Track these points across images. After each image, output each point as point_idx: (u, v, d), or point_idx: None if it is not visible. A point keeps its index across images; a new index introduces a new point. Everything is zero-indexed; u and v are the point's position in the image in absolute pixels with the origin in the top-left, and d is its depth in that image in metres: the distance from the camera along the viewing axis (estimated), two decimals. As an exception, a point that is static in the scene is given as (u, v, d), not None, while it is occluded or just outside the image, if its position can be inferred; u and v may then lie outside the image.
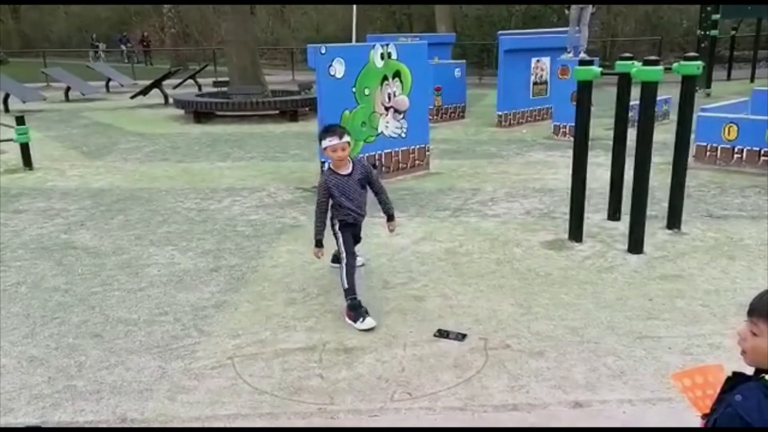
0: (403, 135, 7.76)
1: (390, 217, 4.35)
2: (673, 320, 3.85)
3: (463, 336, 3.71)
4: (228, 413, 3.01)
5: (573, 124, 5.17)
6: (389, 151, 7.66)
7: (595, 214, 5.95)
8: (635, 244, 4.93)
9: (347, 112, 7.09)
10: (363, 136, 7.33)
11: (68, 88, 18.85)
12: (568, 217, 5.41)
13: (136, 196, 7.11)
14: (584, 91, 4.99)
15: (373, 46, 7.30)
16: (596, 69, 4.96)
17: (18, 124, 8.65)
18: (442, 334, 3.74)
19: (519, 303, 4.14)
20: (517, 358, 3.47)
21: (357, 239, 4.37)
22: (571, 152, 5.17)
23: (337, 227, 4.16)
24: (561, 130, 10.59)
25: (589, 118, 5.06)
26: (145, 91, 17.32)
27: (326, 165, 4.31)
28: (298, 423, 2.94)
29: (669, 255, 4.91)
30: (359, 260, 4.81)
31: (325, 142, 4.08)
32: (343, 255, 4.05)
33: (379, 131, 7.50)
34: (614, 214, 5.71)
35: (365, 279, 4.49)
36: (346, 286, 3.94)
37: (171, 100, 15.31)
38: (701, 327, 3.76)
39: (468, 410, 3.01)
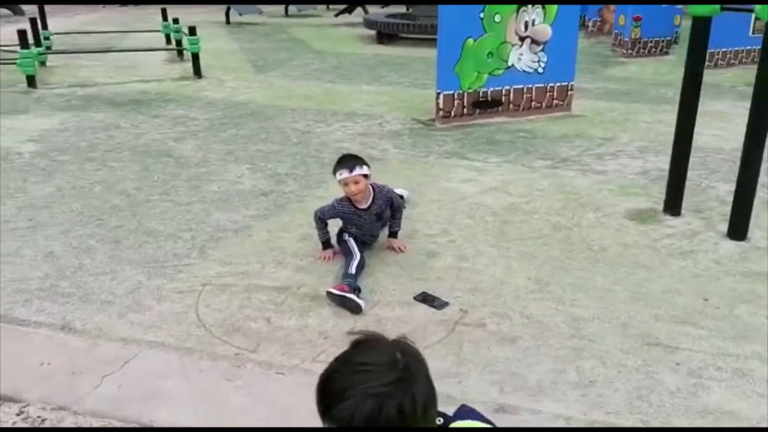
0: (540, 70, 6.96)
1: (392, 234, 3.91)
2: (714, 330, 3.02)
3: (444, 304, 3.28)
4: (151, 339, 3.00)
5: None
6: (520, 87, 6.93)
7: (726, 184, 4.86)
8: (736, 228, 3.93)
9: (471, 40, 6.51)
10: (488, 68, 6.70)
11: (287, 4, 19.93)
12: (689, 182, 4.48)
13: (261, 113, 7.32)
14: (700, 29, 3.96)
15: (510, -34, 6.53)
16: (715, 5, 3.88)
17: (190, 35, 9.32)
18: (422, 298, 3.34)
19: (539, 278, 3.54)
20: (483, 340, 2.98)
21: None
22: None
23: (345, 236, 3.79)
24: (772, 77, 8.74)
25: (703, 63, 4.03)
26: (349, 9, 17.67)
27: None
28: (203, 365, 2.83)
29: (779, 248, 3.85)
30: (404, 192, 4.51)
31: (336, 176, 3.65)
32: (357, 253, 3.60)
33: (510, 64, 6.80)
34: (745, 186, 4.59)
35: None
36: (353, 272, 3.42)
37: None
38: (743, 345, 2.90)
39: (377, 389, 2.66)
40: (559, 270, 3.62)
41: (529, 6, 6.67)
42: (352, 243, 3.70)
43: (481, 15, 6.47)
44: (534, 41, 6.83)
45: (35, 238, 4.08)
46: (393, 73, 9.91)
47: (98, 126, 6.75)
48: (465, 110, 6.74)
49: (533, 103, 7.04)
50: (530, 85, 6.97)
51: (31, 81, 8.68)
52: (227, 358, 2.88)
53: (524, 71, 6.90)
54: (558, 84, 7.09)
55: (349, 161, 3.69)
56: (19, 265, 3.74)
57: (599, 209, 4.47)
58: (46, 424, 2.48)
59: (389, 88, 8.78)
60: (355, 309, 3.21)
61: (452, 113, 6.68)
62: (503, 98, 6.89)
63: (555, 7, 6.76)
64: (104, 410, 2.54)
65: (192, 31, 9.35)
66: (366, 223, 3.81)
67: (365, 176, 3.67)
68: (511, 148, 5.93)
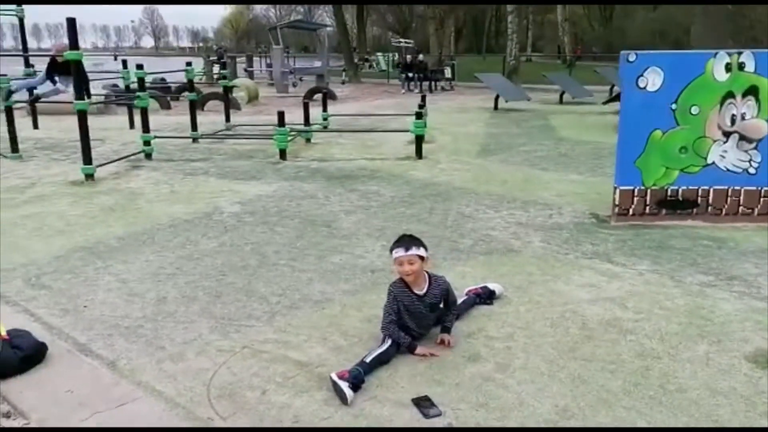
0: (752, 171, 5.91)
1: (445, 330, 3.72)
2: None
3: (436, 414, 2.98)
4: (159, 389, 3.25)
5: None
6: (723, 188, 5.96)
7: None
8: None
9: (659, 132, 5.86)
10: (680, 164, 5.93)
11: (563, 92, 19.92)
12: None
13: (445, 194, 7.43)
14: None
15: (715, 54, 5.74)
16: None
17: (416, 119, 9.92)
18: (418, 402, 3.08)
19: (568, 407, 3.00)
20: (441, 463, 2.64)
21: None
22: None
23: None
24: None
25: None
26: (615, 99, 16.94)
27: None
28: (171, 420, 3.00)
29: None
30: (497, 288, 4.26)
31: (393, 254, 3.64)
32: (387, 344, 3.51)
33: (709, 161, 5.92)
34: None
35: (467, 321, 3.88)
36: (367, 361, 3.35)
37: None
38: None
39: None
40: (600, 404, 3.03)
41: (738, 98, 5.76)
42: (390, 335, 3.58)
43: (673, 106, 5.79)
44: (743, 137, 5.86)
45: (165, 284, 4.73)
46: (618, 164, 9.23)
47: (299, 195, 7.54)
48: (647, 209, 6.00)
49: (741, 208, 5.97)
50: (737, 187, 5.94)
51: (283, 154, 10.06)
52: (196, 419, 3.01)
53: (729, 170, 5.92)
54: (778, 188, 5.93)
55: (405, 241, 3.65)
56: (135, 303, 4.38)
57: (719, 342, 3.62)
58: (26, 440, 2.88)
59: (599, 179, 8.20)
60: (342, 398, 3.11)
61: (630, 211, 6.01)
62: (699, 199, 5.98)
63: (774, 99, 5.74)
64: (69, 440, 2.86)
65: (418, 115, 9.96)
66: (421, 312, 3.67)
67: (421, 258, 3.60)
68: (677, 256, 5.11)
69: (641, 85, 5.76)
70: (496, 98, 17.88)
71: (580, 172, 8.69)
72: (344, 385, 3.12)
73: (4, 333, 3.58)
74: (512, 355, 3.53)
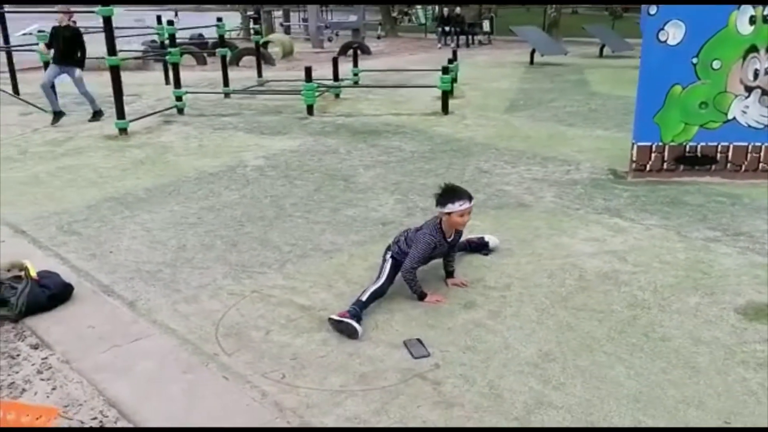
0: (774, 127, 5.83)
1: (450, 274, 3.98)
2: (691, 462, 2.38)
3: (424, 355, 3.16)
4: (171, 326, 3.51)
5: None
6: (743, 144, 5.90)
7: None
8: None
9: (678, 87, 5.80)
10: (699, 120, 5.88)
11: (603, 46, 19.43)
12: None
13: (465, 149, 7.49)
14: None
15: (738, 6, 5.61)
16: None
17: (443, 74, 9.91)
18: (410, 343, 3.26)
19: (550, 352, 3.15)
20: (423, 398, 2.82)
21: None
22: None
23: (390, 263, 3.78)
24: None
25: None
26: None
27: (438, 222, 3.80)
28: (180, 355, 3.24)
29: None
30: (492, 240, 4.38)
31: (454, 206, 3.61)
32: (383, 279, 3.69)
33: (730, 117, 5.85)
34: None
35: (467, 270, 4.05)
36: (363, 299, 3.52)
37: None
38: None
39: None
40: (583, 349, 3.17)
41: (762, 52, 5.65)
42: (387, 266, 3.76)
43: (694, 60, 5.71)
44: (766, 92, 5.76)
45: (186, 233, 4.98)
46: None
47: (322, 150, 7.69)
48: (665, 165, 5.99)
49: (761, 165, 5.91)
50: (758, 144, 5.87)
51: (310, 109, 10.19)
52: (203, 354, 3.25)
53: (750, 126, 5.85)
54: (800, 145, 5.84)
55: (464, 192, 3.73)
56: (156, 250, 4.64)
57: (712, 294, 3.69)
58: (49, 365, 3.16)
59: (624, 135, 8.07)
60: (352, 333, 3.32)
61: (647, 167, 6.00)
62: (718, 155, 5.93)
63: (800, 52, 5.61)
64: (87, 371, 3.13)
65: (445, 70, 9.94)
66: (440, 254, 3.87)
67: None
68: (688, 212, 5.13)
69: (662, 38, 5.69)
70: (532, 52, 17.57)
71: (607, 128, 8.63)
72: (353, 321, 3.33)
73: (34, 274, 3.87)
74: (506, 304, 3.67)
